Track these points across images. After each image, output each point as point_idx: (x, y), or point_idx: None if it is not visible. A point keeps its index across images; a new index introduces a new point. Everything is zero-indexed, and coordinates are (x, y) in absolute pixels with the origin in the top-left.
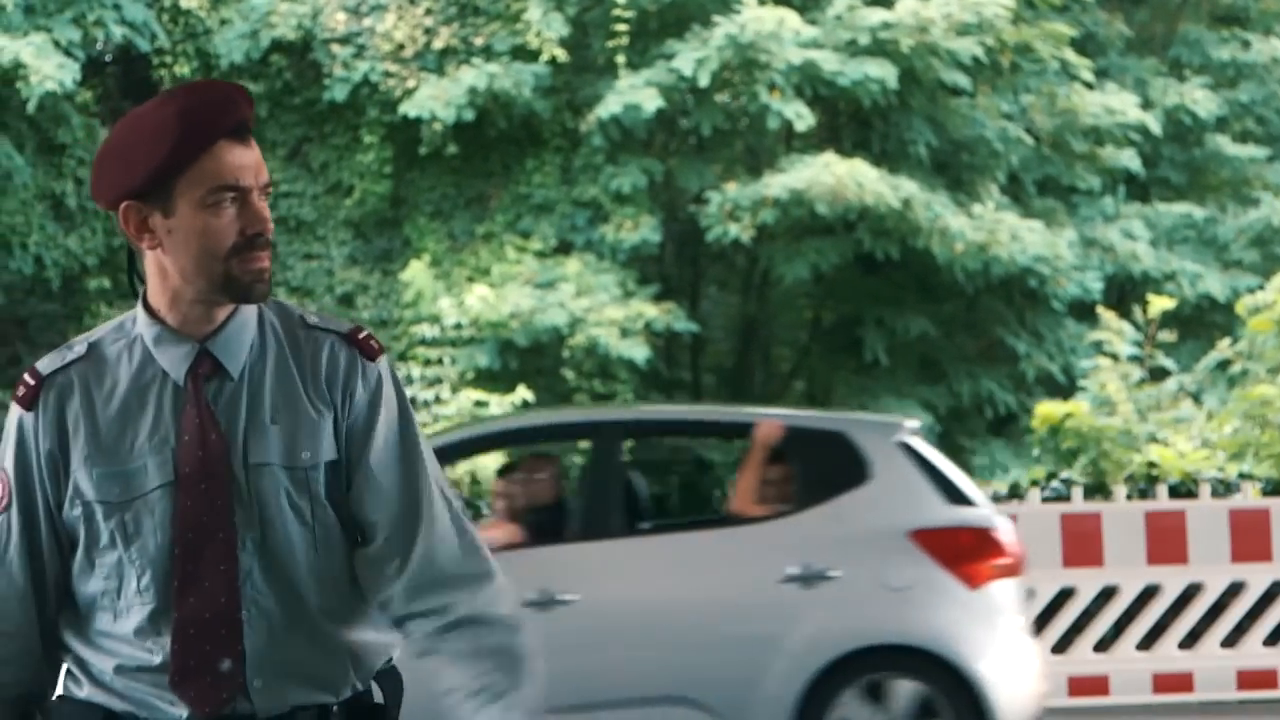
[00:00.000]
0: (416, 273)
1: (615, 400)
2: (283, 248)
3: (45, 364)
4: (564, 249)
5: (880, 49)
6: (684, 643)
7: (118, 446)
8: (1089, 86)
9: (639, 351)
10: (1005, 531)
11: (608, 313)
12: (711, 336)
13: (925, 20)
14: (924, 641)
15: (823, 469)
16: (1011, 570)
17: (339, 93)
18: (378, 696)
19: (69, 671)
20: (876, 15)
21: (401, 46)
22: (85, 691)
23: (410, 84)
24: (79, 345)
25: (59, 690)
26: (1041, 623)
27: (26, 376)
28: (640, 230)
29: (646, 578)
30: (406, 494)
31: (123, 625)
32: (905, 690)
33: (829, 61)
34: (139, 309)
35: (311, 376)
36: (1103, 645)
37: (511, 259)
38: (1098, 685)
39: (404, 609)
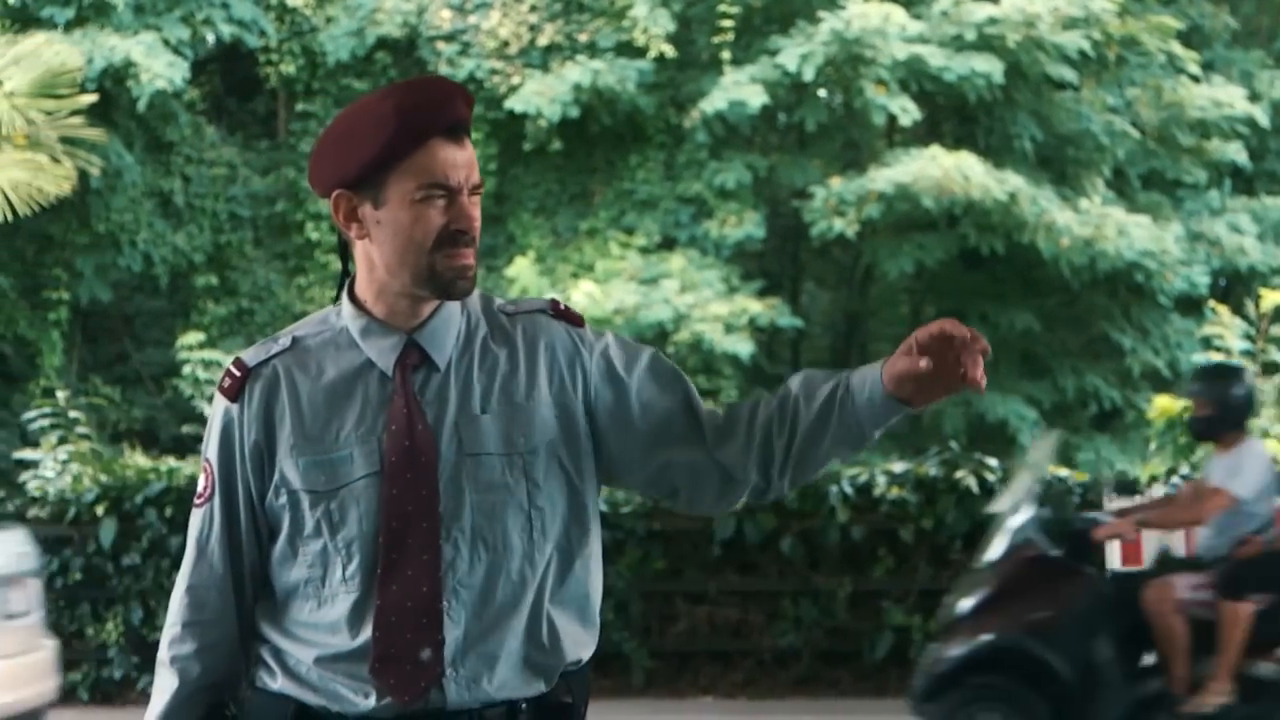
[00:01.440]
0: (521, 269)
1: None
2: None
3: (250, 356)
4: (668, 245)
5: (986, 44)
6: None
7: (324, 436)
8: (1195, 79)
9: (743, 347)
10: None
11: (712, 309)
12: (810, 331)
13: (1031, 15)
14: None
15: None
16: None
17: None
18: (567, 695)
19: (263, 662)
20: (983, 10)
21: (506, 43)
22: (279, 683)
23: (515, 81)
24: (283, 338)
25: (254, 681)
26: None
27: (232, 368)
28: (744, 226)
29: None
30: (689, 402)
31: (325, 614)
32: None
33: (935, 56)
34: (344, 301)
35: (526, 361)
36: None
37: (615, 255)
38: None
39: (743, 465)
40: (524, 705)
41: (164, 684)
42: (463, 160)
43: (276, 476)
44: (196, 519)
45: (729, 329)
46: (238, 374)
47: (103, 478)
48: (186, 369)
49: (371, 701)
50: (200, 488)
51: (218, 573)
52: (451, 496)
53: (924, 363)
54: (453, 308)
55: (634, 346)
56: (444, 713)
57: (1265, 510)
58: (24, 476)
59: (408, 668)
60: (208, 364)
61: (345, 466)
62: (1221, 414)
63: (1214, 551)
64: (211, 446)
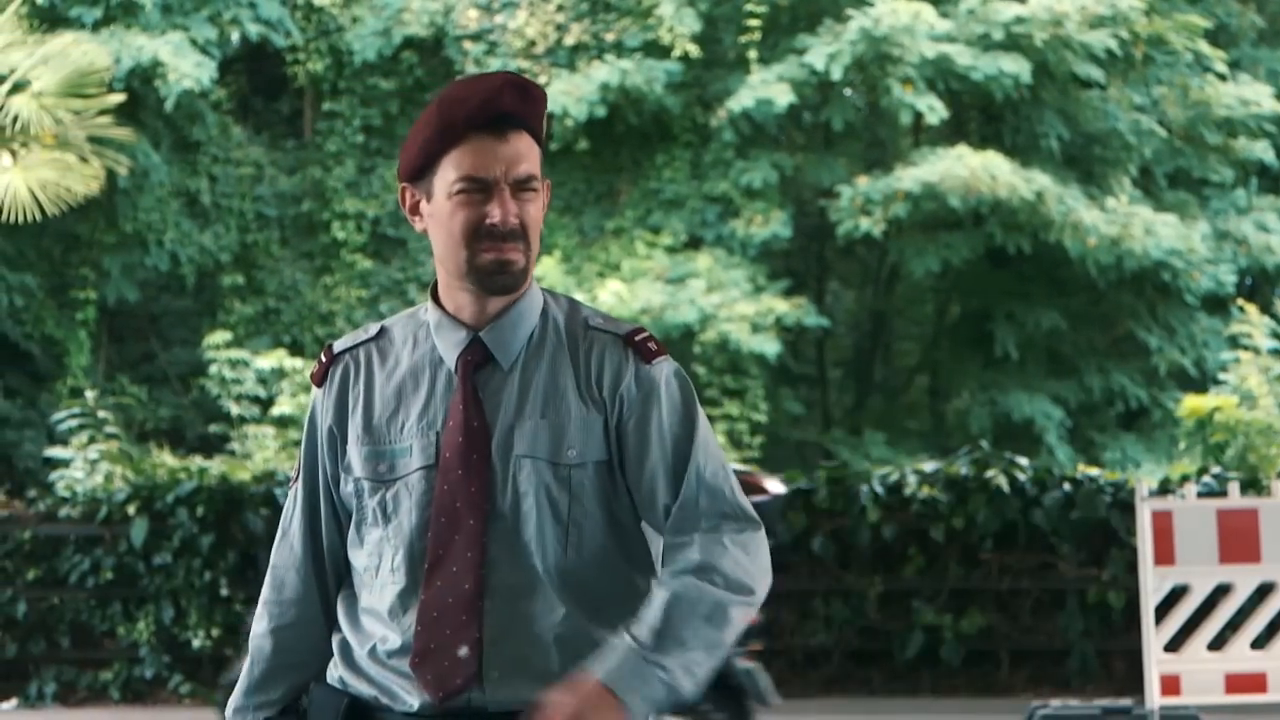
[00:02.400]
0: (548, 269)
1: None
2: (413, 243)
3: (340, 343)
4: (694, 244)
5: (1014, 43)
6: None
7: (389, 426)
8: (1222, 78)
9: (769, 346)
10: None
11: (738, 308)
12: (835, 330)
13: (1059, 14)
14: None
15: None
16: None
17: None
18: None
19: (333, 654)
20: (1010, 9)
21: (533, 43)
22: (338, 673)
23: (542, 80)
24: (373, 327)
25: (323, 675)
26: (1198, 619)
27: (322, 354)
28: (771, 225)
29: None
30: (677, 490)
31: (377, 603)
32: None
33: (962, 55)
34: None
35: (585, 376)
36: (1260, 642)
37: (642, 254)
38: (1255, 683)
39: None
40: None
41: (244, 663)
42: (505, 154)
43: (346, 462)
44: (287, 501)
45: (755, 328)
46: (324, 360)
47: (133, 477)
48: (213, 368)
49: (416, 701)
50: (294, 470)
51: (297, 554)
52: (500, 497)
53: None
54: (527, 309)
55: (680, 419)
56: (486, 713)
57: None
58: (53, 476)
59: (445, 664)
60: (234, 363)
61: (404, 458)
62: None
63: None
64: (304, 431)
